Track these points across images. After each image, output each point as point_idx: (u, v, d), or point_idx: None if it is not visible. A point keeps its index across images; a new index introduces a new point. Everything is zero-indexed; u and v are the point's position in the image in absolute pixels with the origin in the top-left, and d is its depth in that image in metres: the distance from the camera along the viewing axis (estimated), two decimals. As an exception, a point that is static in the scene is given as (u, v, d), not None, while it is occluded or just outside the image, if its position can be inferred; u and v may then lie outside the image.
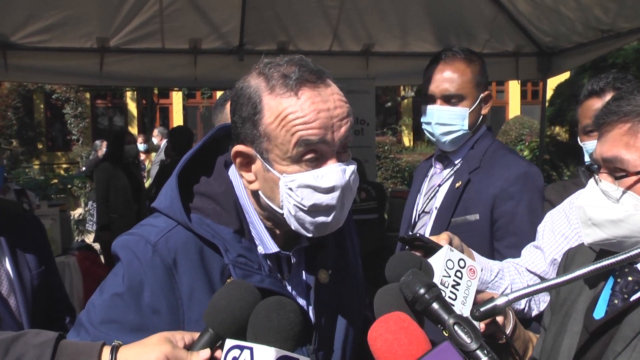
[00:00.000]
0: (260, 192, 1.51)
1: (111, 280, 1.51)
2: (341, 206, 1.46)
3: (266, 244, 1.56)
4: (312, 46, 6.42)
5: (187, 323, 1.45)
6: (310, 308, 1.61)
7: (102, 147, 11.62)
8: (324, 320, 1.63)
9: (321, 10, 5.93)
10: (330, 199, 1.43)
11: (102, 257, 6.79)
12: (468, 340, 1.22)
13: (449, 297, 1.49)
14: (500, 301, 1.36)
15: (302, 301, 1.60)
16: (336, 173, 1.43)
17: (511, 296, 1.36)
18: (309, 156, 1.41)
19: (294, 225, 1.48)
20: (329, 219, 1.46)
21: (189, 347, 1.31)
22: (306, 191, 1.42)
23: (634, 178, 1.38)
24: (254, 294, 1.31)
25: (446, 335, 1.26)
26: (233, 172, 1.61)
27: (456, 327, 1.24)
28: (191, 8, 5.65)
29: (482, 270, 2.05)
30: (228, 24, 5.97)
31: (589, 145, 2.33)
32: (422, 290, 1.30)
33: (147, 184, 11.03)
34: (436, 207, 2.66)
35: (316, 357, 1.59)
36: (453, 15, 6.05)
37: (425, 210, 2.73)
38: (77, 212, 12.27)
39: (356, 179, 1.49)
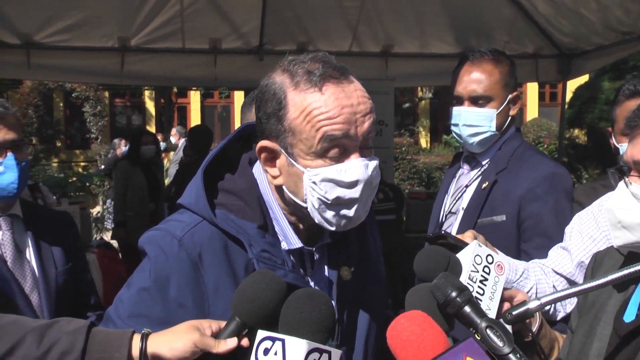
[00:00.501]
0: (284, 186, 1.53)
1: (138, 275, 1.54)
2: (363, 200, 1.48)
3: (290, 240, 1.58)
4: (331, 47, 6.41)
5: (212, 317, 1.47)
6: (333, 304, 1.60)
7: (120, 146, 11.71)
8: (346, 316, 1.65)
9: (340, 11, 5.94)
10: (353, 192, 1.46)
11: (120, 254, 6.85)
12: (501, 344, 1.22)
13: (477, 292, 1.50)
14: (532, 305, 1.36)
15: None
16: (359, 168, 1.45)
17: (543, 300, 1.36)
18: (333, 151, 1.44)
19: (317, 218, 1.50)
20: (352, 212, 1.48)
21: (216, 335, 1.33)
22: (329, 185, 1.44)
23: None
24: (280, 283, 1.33)
25: (478, 338, 1.26)
26: (257, 169, 1.63)
27: (489, 331, 1.25)
28: (211, 8, 5.69)
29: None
30: (248, 24, 6.00)
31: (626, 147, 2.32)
32: (454, 294, 1.30)
33: (165, 183, 11.10)
34: (463, 208, 2.66)
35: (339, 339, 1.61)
36: (472, 16, 6.03)
37: (452, 210, 2.73)
38: (95, 210, 12.39)
39: (378, 175, 1.50)
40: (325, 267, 1.65)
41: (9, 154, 2.32)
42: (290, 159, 1.47)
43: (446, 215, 2.75)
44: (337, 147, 1.44)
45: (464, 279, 1.49)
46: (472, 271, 1.52)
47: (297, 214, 1.57)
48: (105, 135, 20.39)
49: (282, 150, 1.48)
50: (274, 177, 1.54)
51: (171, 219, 1.59)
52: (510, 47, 6.27)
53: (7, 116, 2.34)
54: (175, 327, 1.34)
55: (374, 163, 1.49)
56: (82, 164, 19.89)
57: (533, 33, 6.17)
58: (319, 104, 1.42)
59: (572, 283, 2.17)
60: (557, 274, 2.22)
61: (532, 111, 21.84)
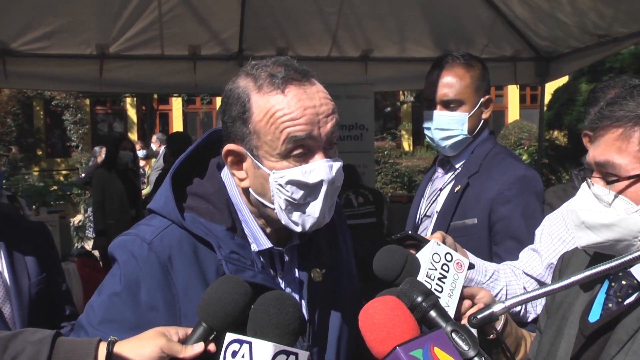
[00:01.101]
0: (251, 189, 1.56)
1: (108, 280, 1.55)
2: (327, 200, 1.51)
3: (259, 241, 1.60)
4: (311, 52, 6.44)
5: (183, 318, 1.49)
6: (304, 304, 1.64)
7: (101, 154, 11.62)
8: (318, 317, 1.66)
9: (320, 16, 5.95)
10: (318, 193, 1.49)
11: (101, 264, 6.79)
12: (466, 348, 1.25)
13: (435, 289, 1.52)
14: (497, 308, 1.38)
15: (295, 298, 1.62)
16: (323, 169, 1.48)
17: (508, 302, 1.38)
18: (297, 152, 1.46)
19: (284, 219, 1.52)
20: (317, 213, 1.51)
21: (183, 341, 1.34)
22: (295, 187, 1.47)
23: (625, 182, 1.39)
24: (245, 287, 1.34)
25: (449, 330, 1.28)
26: (225, 173, 1.65)
27: (454, 335, 1.26)
28: (190, 14, 5.68)
29: (475, 271, 2.07)
30: (227, 30, 6.00)
31: None
32: (419, 298, 1.32)
33: (146, 190, 11.04)
34: (437, 211, 2.69)
35: (310, 353, 1.61)
36: (451, 21, 6.08)
37: (427, 214, 2.76)
38: (76, 219, 12.27)
39: (341, 176, 1.54)
40: (296, 269, 1.67)
41: None
42: (256, 161, 1.50)
43: (421, 219, 2.78)
44: (301, 148, 1.47)
45: (421, 276, 1.52)
46: (430, 269, 1.55)
47: (265, 217, 1.59)
48: (87, 143, 20.22)
49: (248, 153, 1.51)
50: (241, 180, 1.57)
51: (141, 223, 1.62)
52: (489, 50, 6.34)
53: None
54: (141, 334, 1.35)
55: (337, 164, 1.52)
56: (64, 172, 19.71)
57: (511, 37, 6.24)
58: (282, 105, 1.45)
59: (542, 284, 2.19)
60: (528, 275, 2.24)
61: (513, 113, 22.02)
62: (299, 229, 1.53)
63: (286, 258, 1.65)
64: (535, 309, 2.21)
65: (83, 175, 13.33)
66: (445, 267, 1.57)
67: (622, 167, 1.39)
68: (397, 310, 1.26)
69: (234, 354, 1.24)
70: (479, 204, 2.53)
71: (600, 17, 5.11)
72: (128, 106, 21.64)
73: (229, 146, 1.54)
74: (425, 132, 2.74)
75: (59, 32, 5.54)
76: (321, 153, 1.48)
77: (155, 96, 20.02)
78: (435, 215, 2.67)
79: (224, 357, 1.25)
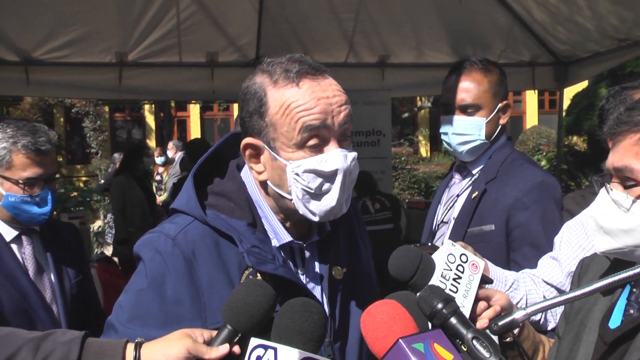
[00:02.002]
0: (269, 181, 1.61)
1: (135, 279, 1.60)
2: (344, 190, 1.56)
3: (279, 234, 1.64)
4: (328, 58, 6.46)
5: (208, 311, 1.53)
6: (325, 300, 1.67)
7: (120, 160, 11.73)
8: (339, 313, 1.70)
9: (337, 22, 5.97)
10: (334, 182, 1.54)
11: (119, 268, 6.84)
12: (487, 355, 1.24)
13: (450, 289, 1.53)
14: (518, 315, 1.38)
15: (317, 293, 1.66)
16: (338, 158, 1.53)
17: (529, 309, 1.38)
18: (312, 142, 1.51)
19: (301, 209, 1.57)
20: (334, 202, 1.55)
21: (209, 343, 1.36)
22: (311, 175, 1.52)
23: None
24: (269, 291, 1.37)
25: (464, 349, 1.28)
26: (245, 173, 1.71)
27: (475, 342, 1.26)
28: (208, 22, 5.73)
29: (495, 281, 2.06)
30: (244, 37, 6.04)
31: None
32: (440, 305, 1.32)
33: (163, 197, 11.10)
34: (454, 217, 2.67)
35: (332, 350, 1.65)
36: (468, 26, 6.06)
37: (444, 220, 2.74)
38: (96, 225, 12.40)
39: (356, 167, 1.59)
40: (317, 264, 1.70)
41: (46, 188, 2.50)
42: (273, 153, 1.55)
43: (438, 225, 2.76)
44: (316, 138, 1.52)
45: (436, 276, 1.53)
46: (444, 269, 1.56)
47: (284, 209, 1.64)
48: (106, 150, 20.42)
49: (265, 146, 1.57)
50: (259, 173, 1.62)
51: (164, 222, 1.67)
52: (506, 55, 6.31)
53: (51, 152, 2.50)
54: (168, 335, 1.37)
55: (352, 154, 1.56)
56: (83, 178, 19.92)
57: (529, 41, 6.21)
58: (297, 97, 1.51)
59: (562, 293, 2.16)
60: (548, 284, 2.21)
61: (531, 119, 21.87)
62: (316, 219, 1.57)
63: (307, 254, 1.69)
64: (554, 317, 2.19)
65: (102, 181, 13.46)
66: (460, 268, 1.58)
67: None
68: (398, 310, 1.28)
69: (259, 358, 1.24)
70: (497, 210, 2.51)
71: (620, 21, 5.06)
72: (146, 113, 21.84)
73: (247, 140, 1.59)
74: (442, 137, 2.73)
75: (79, 40, 5.62)
76: (335, 143, 1.53)
77: (173, 103, 20.19)
78: (453, 222, 2.65)
79: None
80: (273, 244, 1.63)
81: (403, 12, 5.88)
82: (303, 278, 1.67)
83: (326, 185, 1.53)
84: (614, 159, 1.44)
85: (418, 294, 1.37)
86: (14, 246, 2.50)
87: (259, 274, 1.58)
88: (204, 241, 1.57)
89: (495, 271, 2.12)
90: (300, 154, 1.52)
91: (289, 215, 1.64)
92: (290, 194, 1.56)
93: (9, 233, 2.49)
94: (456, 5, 5.39)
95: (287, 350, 1.22)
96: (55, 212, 7.96)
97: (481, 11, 5.84)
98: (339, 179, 1.53)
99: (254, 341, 1.27)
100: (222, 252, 1.58)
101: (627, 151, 1.41)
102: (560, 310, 2.13)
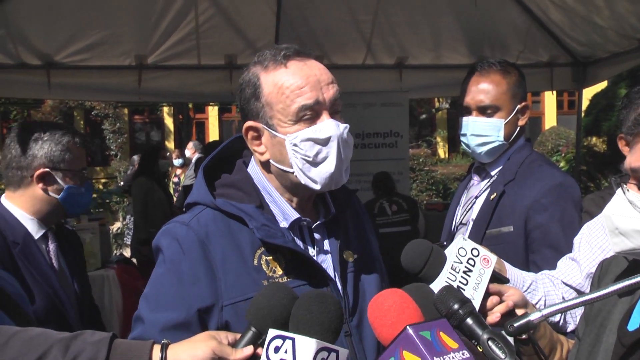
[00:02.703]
0: (271, 160, 1.74)
1: (155, 269, 1.71)
2: (340, 157, 1.68)
3: (288, 214, 1.76)
4: (346, 60, 6.48)
5: (224, 287, 1.63)
6: (337, 279, 1.75)
7: (139, 162, 11.80)
8: (351, 291, 1.77)
9: (354, 24, 5.98)
10: (329, 147, 1.66)
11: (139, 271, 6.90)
12: (502, 356, 1.26)
13: (460, 282, 1.58)
14: (534, 316, 1.39)
15: (330, 272, 1.74)
16: (331, 126, 1.66)
17: (545, 311, 1.39)
18: (306, 115, 1.65)
19: (303, 179, 1.69)
20: (332, 168, 1.68)
21: (233, 345, 1.39)
22: (309, 144, 1.66)
23: None
24: (292, 294, 1.40)
25: (480, 350, 1.29)
26: (251, 167, 1.83)
27: (490, 343, 1.28)
28: (226, 25, 5.77)
29: (512, 282, 2.06)
30: (263, 40, 6.07)
31: None
32: (456, 306, 1.34)
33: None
34: (472, 219, 2.67)
35: (349, 327, 1.72)
36: (486, 27, 6.04)
37: (463, 222, 2.74)
38: (115, 227, 12.51)
39: (350, 137, 1.72)
40: (327, 244, 1.80)
41: (87, 179, 2.69)
42: (272, 130, 1.69)
43: (457, 227, 2.76)
44: (310, 111, 1.66)
45: (446, 268, 1.59)
46: (455, 262, 1.61)
47: (289, 188, 1.76)
48: (125, 152, 20.59)
49: (264, 126, 1.71)
50: (262, 154, 1.75)
51: (178, 216, 1.78)
52: (524, 56, 6.28)
53: (85, 146, 2.70)
54: (193, 337, 1.41)
55: (344, 125, 1.70)
56: (103, 180, 20.09)
57: (547, 42, 6.17)
58: (287, 77, 1.67)
59: (581, 294, 2.15)
60: (567, 285, 2.20)
61: (550, 119, 21.69)
62: (317, 187, 1.69)
63: (317, 236, 1.79)
64: (574, 319, 2.18)
65: (122, 183, 13.57)
66: (471, 262, 1.63)
67: None
68: (405, 299, 1.31)
69: (277, 349, 1.27)
70: (515, 211, 2.51)
71: (639, 21, 5.02)
72: (165, 115, 21.98)
73: (248, 123, 1.74)
74: (461, 138, 2.73)
75: (100, 44, 5.68)
76: (327, 114, 1.67)
77: (190, 105, 20.30)
78: (471, 223, 2.65)
79: (267, 353, 1.28)
80: (282, 226, 1.74)
81: (420, 13, 5.88)
82: (315, 257, 1.74)
83: (323, 152, 1.66)
84: (632, 160, 1.44)
85: (435, 295, 1.39)
86: (41, 243, 2.55)
87: (270, 257, 1.67)
88: (216, 224, 1.69)
89: (512, 272, 2.12)
90: (296, 127, 1.66)
91: (293, 191, 1.76)
92: (291, 167, 1.69)
93: (37, 231, 2.54)
94: (473, 6, 5.38)
95: (305, 340, 1.25)
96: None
97: (499, 12, 5.82)
98: (333, 145, 1.66)
99: (271, 332, 1.29)
100: (234, 234, 1.69)
101: None
102: (580, 311, 2.12)
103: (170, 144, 20.93)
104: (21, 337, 1.38)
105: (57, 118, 19.78)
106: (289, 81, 1.65)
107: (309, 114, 1.65)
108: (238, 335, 1.42)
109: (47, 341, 1.37)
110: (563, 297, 2.19)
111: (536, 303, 2.14)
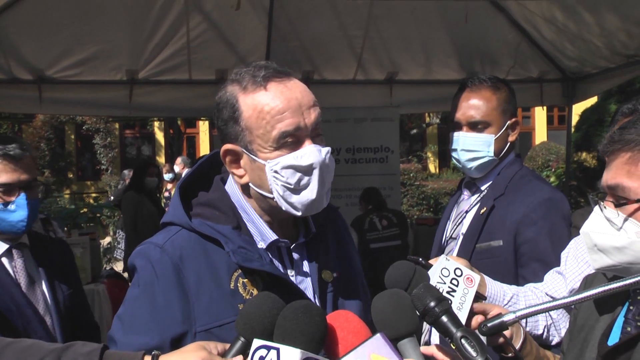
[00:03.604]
0: (250, 183, 1.68)
1: (130, 289, 1.68)
2: (322, 183, 1.63)
3: (265, 235, 1.71)
4: (337, 75, 6.51)
5: (196, 312, 1.59)
6: (316, 301, 1.72)
7: (129, 177, 11.77)
8: (331, 312, 1.72)
9: (346, 39, 6.02)
10: (311, 175, 1.61)
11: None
12: (474, 354, 1.29)
13: None
14: (508, 317, 1.42)
15: (308, 293, 1.72)
16: (313, 153, 1.61)
17: (519, 313, 1.42)
18: (287, 140, 1.59)
19: (284, 206, 1.64)
20: (314, 195, 1.63)
21: (222, 355, 1.39)
22: (290, 171, 1.60)
23: (635, 205, 1.40)
24: (280, 303, 1.40)
25: (453, 347, 1.33)
26: (229, 185, 1.78)
27: (463, 341, 1.31)
28: (218, 40, 5.79)
29: (492, 296, 2.09)
30: (254, 54, 6.09)
31: None
32: (432, 303, 1.37)
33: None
34: (462, 233, 2.68)
35: None
36: (477, 42, 6.10)
37: (453, 236, 2.75)
38: (105, 241, 12.44)
39: (332, 160, 1.66)
40: (306, 265, 1.76)
41: (22, 194, 2.50)
42: (252, 155, 1.63)
43: (447, 241, 2.77)
44: (291, 137, 1.60)
45: None
46: (438, 282, 1.62)
47: (268, 211, 1.71)
48: (116, 166, 20.55)
49: (243, 150, 1.64)
50: (240, 177, 1.69)
51: (155, 235, 1.74)
52: (515, 72, 6.33)
53: (24, 157, 2.51)
54: (183, 348, 1.41)
55: (326, 149, 1.65)
56: (93, 194, 20.05)
57: (538, 57, 6.23)
58: (267, 100, 1.60)
59: (565, 309, 2.17)
60: (550, 297, 2.22)
61: (540, 135, 21.85)
62: (299, 213, 1.65)
63: (296, 256, 1.75)
64: (559, 332, 2.19)
65: (112, 198, 13.51)
66: (454, 282, 1.64)
67: (632, 190, 1.40)
68: (350, 322, 1.38)
69: (262, 359, 1.26)
70: (505, 226, 2.52)
71: (629, 37, 5.07)
72: (156, 130, 21.98)
73: (226, 146, 1.67)
74: (452, 153, 2.75)
75: (91, 59, 5.70)
76: (309, 140, 1.61)
77: (179, 121, 20.31)
78: (461, 237, 2.66)
79: None
80: (260, 246, 1.69)
81: (412, 29, 5.93)
82: (293, 279, 1.72)
83: (305, 180, 1.61)
84: (607, 177, 1.47)
85: (413, 291, 1.42)
86: (4, 260, 2.53)
87: (247, 279, 1.64)
88: (191, 247, 1.64)
89: (493, 286, 2.13)
90: (277, 153, 1.60)
91: (273, 214, 1.71)
92: (271, 192, 1.63)
93: (0, 247, 2.53)
94: (464, 22, 5.43)
95: (289, 350, 1.25)
96: (66, 228, 8.00)
97: (489, 28, 5.88)
98: (315, 172, 1.61)
99: (256, 342, 1.29)
100: (210, 257, 1.64)
101: (619, 170, 1.44)
102: (564, 325, 2.14)
103: (161, 159, 20.90)
104: (14, 348, 1.39)
105: (48, 133, 19.74)
106: (269, 105, 1.58)
107: (290, 140, 1.59)
108: (227, 346, 1.41)
109: (39, 352, 1.38)
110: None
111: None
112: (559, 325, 2.18)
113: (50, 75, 5.79)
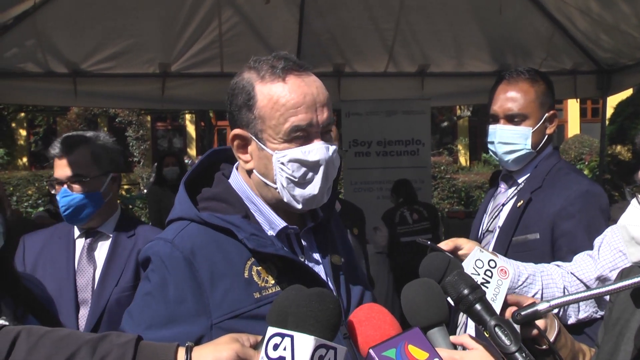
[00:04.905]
0: (255, 170, 1.69)
1: (141, 285, 1.69)
2: (326, 180, 1.66)
3: (274, 222, 1.72)
4: (368, 67, 6.50)
5: (212, 305, 1.58)
6: (330, 284, 1.73)
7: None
8: (344, 294, 1.77)
9: (377, 32, 6.01)
10: (317, 171, 1.64)
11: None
12: (507, 342, 1.29)
13: None
14: (541, 307, 1.42)
15: (322, 276, 1.73)
16: (321, 150, 1.62)
17: (553, 302, 1.42)
18: (297, 134, 1.61)
19: (286, 197, 1.66)
20: (316, 191, 1.65)
21: (254, 347, 1.39)
22: (296, 165, 1.62)
23: None
24: (314, 295, 1.40)
25: (487, 335, 1.32)
26: (232, 178, 1.79)
27: (497, 329, 1.31)
28: (249, 33, 5.84)
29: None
30: (285, 47, 6.10)
31: None
32: (466, 291, 1.36)
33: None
34: (499, 226, 2.66)
35: (347, 329, 1.69)
36: (509, 34, 6.03)
37: (489, 229, 2.73)
38: (138, 232, 12.58)
39: (337, 158, 1.68)
40: (316, 250, 1.78)
41: (63, 188, 2.69)
42: (260, 144, 1.64)
43: (484, 234, 2.76)
44: (301, 131, 1.61)
45: None
46: (472, 274, 1.61)
47: (270, 200, 1.71)
48: (148, 159, 20.77)
49: (253, 137, 1.65)
50: (246, 162, 1.71)
51: (164, 231, 1.74)
52: (547, 64, 6.24)
53: (66, 155, 2.70)
54: (216, 340, 1.42)
55: (333, 147, 1.67)
56: (126, 187, 20.31)
57: (571, 49, 6.14)
58: (284, 92, 1.60)
59: (589, 289, 2.15)
60: (577, 278, 2.21)
61: (573, 128, 21.47)
62: (299, 206, 1.67)
63: (304, 242, 1.77)
64: (576, 313, 2.19)
65: (145, 190, 13.70)
66: (488, 273, 1.64)
67: None
68: (380, 314, 1.37)
69: (276, 346, 1.27)
70: (542, 219, 2.49)
71: (666, 29, 4.98)
72: (187, 122, 22.16)
73: (236, 131, 1.69)
74: (489, 146, 2.73)
75: (125, 52, 5.79)
76: (319, 137, 1.63)
77: (211, 113, 20.44)
78: (497, 231, 2.65)
79: (266, 351, 1.28)
80: (269, 234, 1.70)
81: (443, 21, 5.89)
82: (306, 261, 1.73)
83: (310, 175, 1.63)
84: None
85: (446, 279, 1.42)
86: (79, 242, 2.76)
87: (260, 267, 1.64)
88: (202, 239, 1.63)
89: (507, 266, 2.12)
90: (285, 145, 1.61)
91: (277, 205, 1.71)
92: (275, 182, 1.65)
93: (78, 231, 2.77)
94: (496, 13, 5.37)
95: (303, 337, 1.25)
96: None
97: (522, 19, 5.81)
98: (321, 169, 1.63)
99: (270, 330, 1.30)
100: (222, 247, 1.63)
101: None
102: (583, 307, 2.16)
103: (192, 151, 21.10)
104: (50, 337, 1.41)
105: (82, 125, 20.05)
106: (285, 97, 1.59)
107: (301, 135, 1.60)
108: (259, 338, 1.41)
109: (75, 342, 1.40)
110: (565, 288, 2.19)
111: (532, 296, 2.14)
112: (576, 306, 2.18)
113: (84, 68, 5.90)
